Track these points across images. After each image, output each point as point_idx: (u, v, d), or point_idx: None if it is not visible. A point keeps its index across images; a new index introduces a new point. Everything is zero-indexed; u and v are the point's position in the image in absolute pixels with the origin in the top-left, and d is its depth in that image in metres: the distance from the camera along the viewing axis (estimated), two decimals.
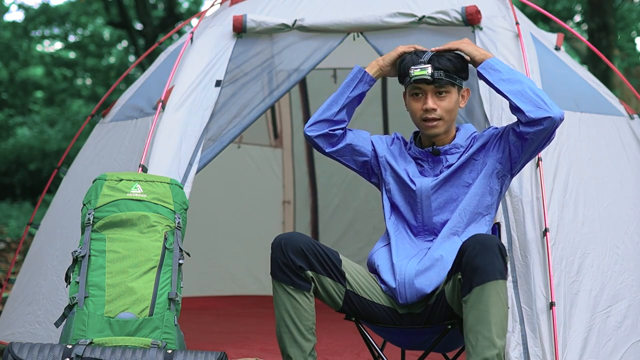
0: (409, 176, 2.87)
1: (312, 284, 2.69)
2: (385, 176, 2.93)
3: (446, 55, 2.80)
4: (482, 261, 2.48)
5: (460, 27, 3.59)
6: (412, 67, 2.78)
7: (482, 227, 2.81)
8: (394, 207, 2.91)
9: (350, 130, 2.95)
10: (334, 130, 2.90)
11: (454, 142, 2.85)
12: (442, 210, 2.82)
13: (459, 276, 2.55)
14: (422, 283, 2.72)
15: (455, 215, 2.80)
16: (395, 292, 2.76)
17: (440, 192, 2.83)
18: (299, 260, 2.66)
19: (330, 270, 2.72)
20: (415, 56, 2.82)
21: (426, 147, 2.88)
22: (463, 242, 2.57)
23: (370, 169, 2.97)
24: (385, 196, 2.93)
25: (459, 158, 2.84)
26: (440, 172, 2.84)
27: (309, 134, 2.91)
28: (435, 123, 2.79)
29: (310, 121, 2.92)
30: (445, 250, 2.75)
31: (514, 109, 2.73)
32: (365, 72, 2.90)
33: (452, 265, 2.63)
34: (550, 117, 2.66)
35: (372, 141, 2.97)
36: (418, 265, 2.75)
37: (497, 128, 2.89)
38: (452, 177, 2.82)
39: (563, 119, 2.70)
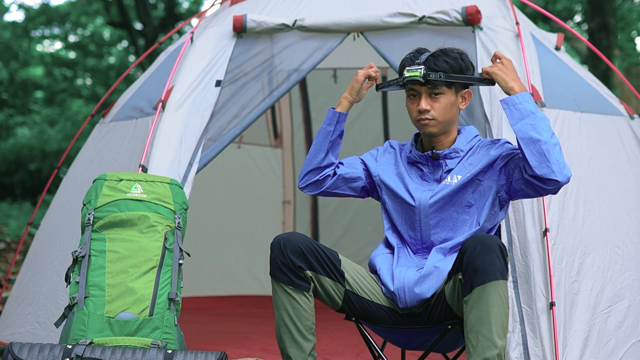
0: (407, 190, 2.82)
1: (312, 283, 2.69)
2: (382, 195, 2.90)
3: (443, 56, 2.74)
4: (483, 261, 2.48)
5: (460, 27, 3.60)
6: (406, 68, 2.76)
7: None
8: (393, 226, 2.88)
9: (340, 163, 2.91)
10: (324, 175, 2.88)
11: (454, 146, 2.81)
12: (440, 228, 2.79)
13: (460, 276, 2.55)
14: (421, 288, 2.71)
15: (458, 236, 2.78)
16: (395, 296, 2.75)
17: (440, 211, 2.78)
18: (298, 260, 2.66)
19: (330, 270, 2.71)
20: (412, 56, 2.79)
21: (426, 150, 2.85)
22: (463, 242, 2.56)
23: (368, 190, 2.94)
24: (384, 213, 2.91)
25: (458, 162, 2.80)
26: (441, 178, 2.81)
27: (301, 186, 2.90)
28: (428, 122, 2.75)
29: (302, 174, 2.90)
30: (442, 262, 2.73)
31: (523, 157, 2.65)
32: (341, 113, 2.85)
33: (453, 265, 2.62)
34: (556, 180, 2.60)
35: (363, 161, 2.93)
36: (417, 272, 2.74)
37: (505, 144, 2.78)
38: (454, 197, 2.77)
39: (569, 180, 2.62)
